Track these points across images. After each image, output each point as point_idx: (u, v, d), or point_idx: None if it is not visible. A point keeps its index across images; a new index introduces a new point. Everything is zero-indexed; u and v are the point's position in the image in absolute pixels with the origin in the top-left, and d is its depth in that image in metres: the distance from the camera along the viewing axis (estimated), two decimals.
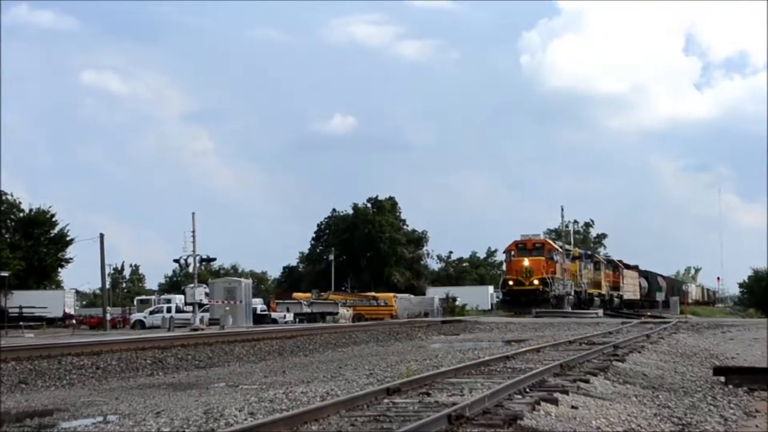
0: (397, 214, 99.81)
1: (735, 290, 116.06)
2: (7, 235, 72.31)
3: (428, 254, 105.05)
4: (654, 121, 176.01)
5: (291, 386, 14.08)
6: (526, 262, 60.60)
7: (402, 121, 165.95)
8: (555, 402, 10.47)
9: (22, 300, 63.00)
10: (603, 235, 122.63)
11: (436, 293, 77.89)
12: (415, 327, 41.93)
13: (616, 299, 75.88)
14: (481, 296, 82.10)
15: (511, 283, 61.20)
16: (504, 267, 69.58)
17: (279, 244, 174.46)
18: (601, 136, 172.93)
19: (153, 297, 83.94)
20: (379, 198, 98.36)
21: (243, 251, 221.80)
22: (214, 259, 63.57)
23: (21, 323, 54.17)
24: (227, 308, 50.24)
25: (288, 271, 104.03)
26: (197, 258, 53.07)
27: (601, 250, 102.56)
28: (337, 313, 60.92)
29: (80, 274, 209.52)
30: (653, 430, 10.22)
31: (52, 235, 73.79)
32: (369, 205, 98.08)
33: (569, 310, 60.08)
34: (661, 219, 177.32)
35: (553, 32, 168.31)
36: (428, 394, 11.10)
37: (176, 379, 19.15)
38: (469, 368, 14.97)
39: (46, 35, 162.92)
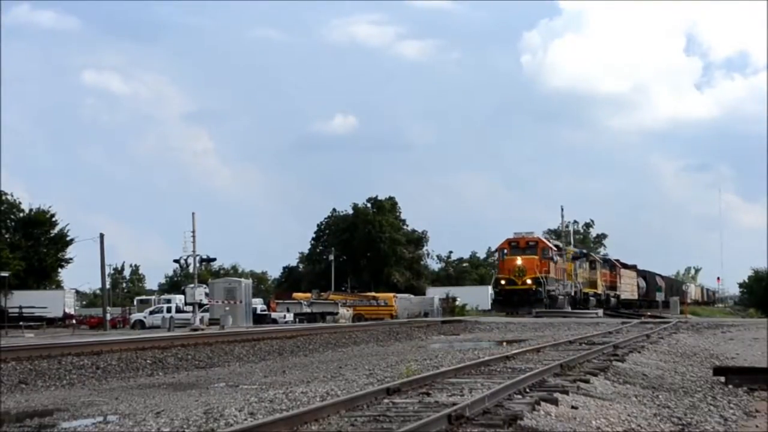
0: (397, 214, 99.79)
1: (735, 290, 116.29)
2: (7, 235, 72.34)
3: (428, 254, 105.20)
4: (654, 121, 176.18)
5: (291, 386, 14.09)
6: (518, 260, 58.75)
7: (402, 121, 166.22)
8: (555, 402, 10.47)
9: (22, 300, 63.02)
10: (603, 236, 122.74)
11: (436, 293, 77.83)
12: (415, 327, 41.93)
13: (612, 299, 74.81)
14: (481, 296, 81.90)
15: (503, 282, 59.51)
16: (497, 266, 67.50)
17: (279, 244, 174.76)
18: (602, 136, 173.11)
19: (153, 297, 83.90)
20: (379, 198, 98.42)
21: (243, 251, 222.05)
22: (214, 260, 63.63)
23: (21, 323, 54.18)
24: (227, 308, 50.24)
25: (288, 271, 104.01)
26: (197, 258, 53.09)
27: (601, 250, 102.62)
28: (337, 313, 60.89)
29: (80, 274, 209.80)
30: (653, 430, 10.22)
31: (52, 235, 73.82)
32: (369, 205, 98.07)
33: (569, 309, 59.54)
34: (661, 219, 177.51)
35: (554, 32, 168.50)
36: (428, 394, 11.10)
37: (176, 379, 19.15)
38: (469, 368, 14.97)
39: (48, 35, 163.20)
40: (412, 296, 77.55)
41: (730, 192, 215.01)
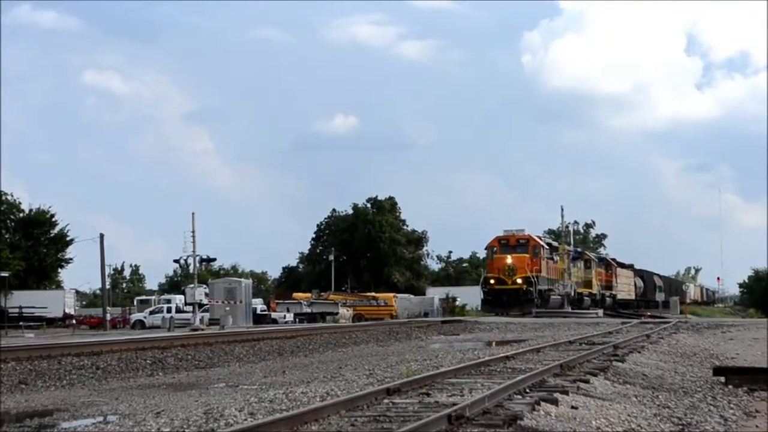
0: (397, 214, 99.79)
1: (735, 290, 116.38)
2: (7, 235, 72.38)
3: (428, 254, 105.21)
4: (655, 121, 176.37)
5: (291, 386, 14.08)
6: (508, 259, 56.21)
7: (403, 121, 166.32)
8: (555, 402, 10.47)
9: (22, 300, 63.06)
10: (603, 236, 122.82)
11: (436, 293, 77.84)
12: (415, 327, 41.91)
13: (608, 299, 72.75)
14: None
15: (492, 281, 56.89)
16: (486, 264, 63.81)
17: (279, 244, 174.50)
18: (602, 135, 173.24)
19: (153, 297, 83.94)
20: (379, 198, 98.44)
21: (243, 251, 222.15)
22: (214, 260, 63.66)
23: (21, 323, 54.26)
24: (227, 308, 50.27)
25: (288, 271, 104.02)
26: (197, 258, 53.11)
27: (601, 250, 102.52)
28: (337, 313, 60.90)
29: (80, 274, 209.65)
30: (653, 430, 10.22)
31: (52, 235, 73.89)
32: (369, 205, 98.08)
33: (569, 309, 58.66)
34: (661, 219, 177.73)
35: (554, 32, 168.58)
36: (428, 395, 11.10)
37: (176, 379, 19.15)
38: (469, 368, 14.96)
39: (49, 35, 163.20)
40: (412, 296, 77.58)
41: (730, 192, 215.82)
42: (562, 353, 18.95)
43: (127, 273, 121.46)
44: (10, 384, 17.64)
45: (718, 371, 15.94)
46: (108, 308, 64.19)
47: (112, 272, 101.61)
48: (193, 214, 53.14)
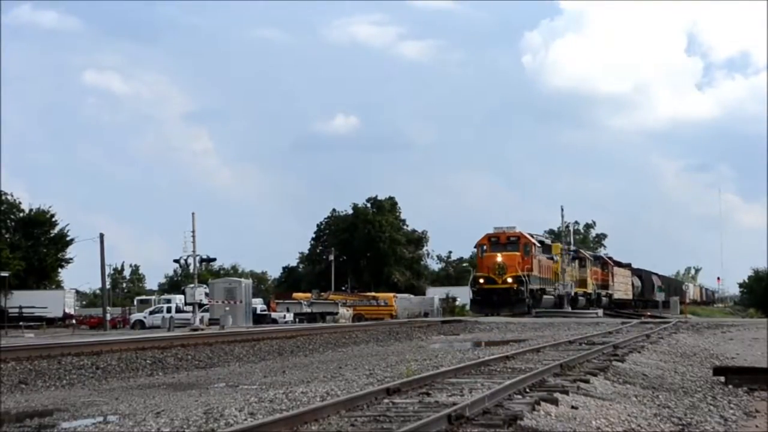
0: (397, 214, 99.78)
1: (735, 290, 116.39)
2: (7, 235, 72.40)
3: (428, 254, 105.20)
4: (655, 121, 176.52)
5: (291, 386, 14.08)
6: (499, 257, 54.01)
7: (403, 121, 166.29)
8: (555, 402, 10.47)
9: (22, 300, 63.08)
10: (603, 236, 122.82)
11: (436, 293, 77.78)
12: (415, 327, 41.89)
13: (604, 298, 70.72)
14: None
15: (481, 281, 54.51)
16: (475, 263, 61.49)
17: (279, 244, 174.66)
18: (603, 136, 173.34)
19: (153, 297, 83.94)
20: (379, 198, 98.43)
21: (243, 251, 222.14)
22: (214, 260, 63.63)
23: (21, 323, 54.31)
24: (227, 308, 50.24)
25: (288, 271, 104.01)
26: (197, 258, 53.08)
27: (601, 250, 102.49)
28: (337, 313, 60.91)
29: (80, 274, 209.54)
30: (653, 430, 10.22)
31: (52, 235, 73.90)
32: (369, 205, 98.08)
33: (569, 309, 57.79)
34: (661, 219, 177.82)
35: (555, 32, 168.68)
36: (428, 394, 11.10)
37: (176, 379, 19.14)
38: (469, 368, 14.97)
39: (49, 35, 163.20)
40: (412, 296, 77.58)
41: (730, 192, 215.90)
42: (562, 353, 18.95)
43: (127, 273, 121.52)
44: (10, 384, 17.64)
45: (718, 371, 15.94)
46: (108, 308, 64.21)
47: (112, 272, 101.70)
48: (193, 214, 53.18)
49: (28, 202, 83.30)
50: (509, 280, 53.42)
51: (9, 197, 74.08)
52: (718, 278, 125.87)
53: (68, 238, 74.31)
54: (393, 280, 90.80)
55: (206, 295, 52.20)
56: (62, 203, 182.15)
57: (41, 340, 35.02)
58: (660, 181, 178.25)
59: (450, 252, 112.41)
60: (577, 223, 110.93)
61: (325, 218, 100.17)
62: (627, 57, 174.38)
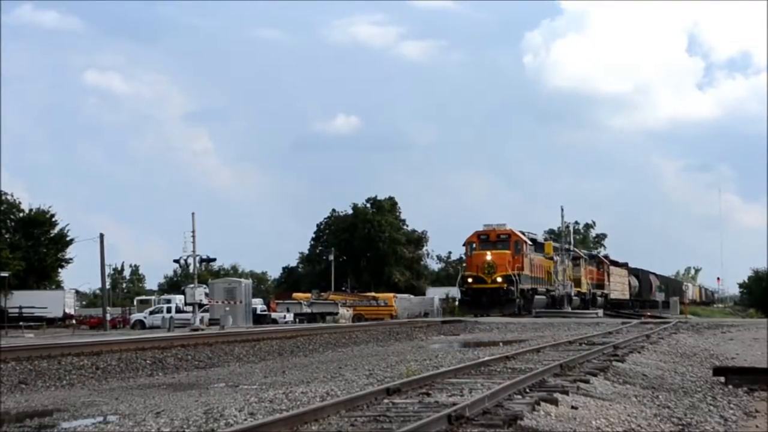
0: (397, 214, 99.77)
1: (735, 290, 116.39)
2: (7, 235, 72.37)
3: (428, 254, 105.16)
4: (656, 121, 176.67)
5: (291, 386, 14.08)
6: (488, 256, 52.26)
7: (403, 121, 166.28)
8: (555, 402, 10.47)
9: (22, 300, 63.05)
10: (603, 236, 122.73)
11: (436, 293, 77.81)
12: (415, 327, 41.87)
13: (599, 298, 69.12)
14: None
15: (470, 280, 52.76)
16: (464, 262, 59.16)
17: (279, 244, 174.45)
18: (603, 135, 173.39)
19: (153, 297, 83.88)
20: (379, 198, 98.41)
21: (243, 251, 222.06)
22: (214, 260, 63.59)
23: (21, 323, 54.29)
24: (227, 308, 50.25)
25: (288, 271, 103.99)
26: (197, 258, 53.08)
27: (601, 250, 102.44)
28: (337, 313, 60.91)
29: (80, 274, 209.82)
30: (653, 430, 10.22)
31: (52, 235, 73.85)
32: (369, 205, 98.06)
33: (569, 310, 57.12)
34: (661, 219, 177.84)
35: (555, 32, 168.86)
36: (428, 395, 11.10)
37: (176, 379, 19.14)
38: (468, 368, 14.97)
39: (50, 35, 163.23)
40: (412, 296, 77.62)
41: (730, 192, 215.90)
42: (561, 353, 18.95)
43: (127, 273, 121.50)
44: (10, 384, 17.64)
45: (718, 371, 15.93)
46: (108, 308, 64.21)
47: (112, 272, 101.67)
48: (193, 214, 53.17)
49: (28, 202, 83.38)
50: (499, 279, 51.83)
51: (9, 197, 74.10)
52: (718, 278, 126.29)
53: (68, 238, 74.34)
54: (393, 281, 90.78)
55: (206, 295, 52.20)
56: (62, 203, 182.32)
57: (41, 341, 35.01)
58: (660, 181, 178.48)
59: (450, 252, 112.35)
60: (577, 223, 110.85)
61: (324, 218, 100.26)
62: (628, 57, 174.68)
